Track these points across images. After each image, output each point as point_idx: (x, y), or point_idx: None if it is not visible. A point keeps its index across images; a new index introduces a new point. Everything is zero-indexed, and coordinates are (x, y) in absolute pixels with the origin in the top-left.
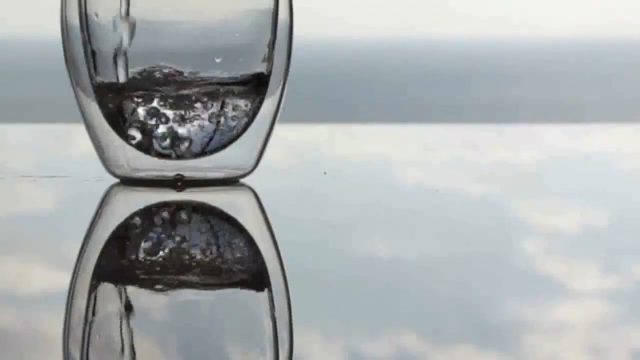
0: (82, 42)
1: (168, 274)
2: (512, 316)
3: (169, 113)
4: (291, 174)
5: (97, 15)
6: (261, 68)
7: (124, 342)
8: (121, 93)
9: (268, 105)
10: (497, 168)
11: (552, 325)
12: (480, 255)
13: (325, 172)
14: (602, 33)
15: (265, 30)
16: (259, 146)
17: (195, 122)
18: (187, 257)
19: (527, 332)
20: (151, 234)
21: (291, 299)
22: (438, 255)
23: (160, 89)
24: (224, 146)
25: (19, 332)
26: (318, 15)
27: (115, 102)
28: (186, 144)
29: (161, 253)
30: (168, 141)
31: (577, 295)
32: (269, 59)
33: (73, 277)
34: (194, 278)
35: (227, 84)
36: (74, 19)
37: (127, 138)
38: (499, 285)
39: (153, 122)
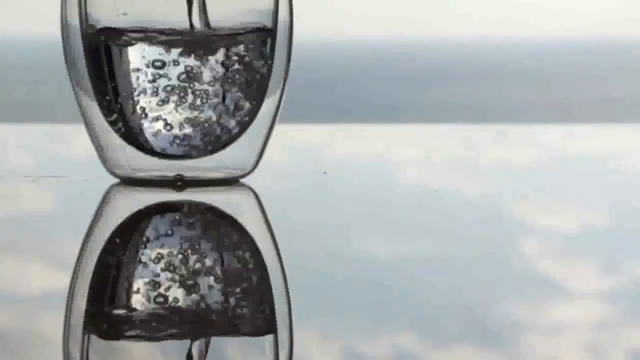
0: (81, 41)
1: (168, 274)
2: (511, 316)
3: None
4: (291, 174)
5: (97, 22)
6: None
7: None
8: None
9: (268, 105)
10: (497, 168)
11: (551, 326)
12: (479, 256)
13: (325, 172)
14: (602, 33)
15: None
16: (259, 146)
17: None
18: (186, 258)
19: (526, 332)
20: (150, 236)
21: (291, 299)
22: (438, 256)
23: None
24: (224, 146)
25: (19, 332)
26: (318, 15)
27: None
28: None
29: (161, 254)
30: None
31: (576, 295)
32: (269, 59)
33: (73, 277)
34: (193, 279)
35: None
36: (74, 19)
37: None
38: (498, 286)
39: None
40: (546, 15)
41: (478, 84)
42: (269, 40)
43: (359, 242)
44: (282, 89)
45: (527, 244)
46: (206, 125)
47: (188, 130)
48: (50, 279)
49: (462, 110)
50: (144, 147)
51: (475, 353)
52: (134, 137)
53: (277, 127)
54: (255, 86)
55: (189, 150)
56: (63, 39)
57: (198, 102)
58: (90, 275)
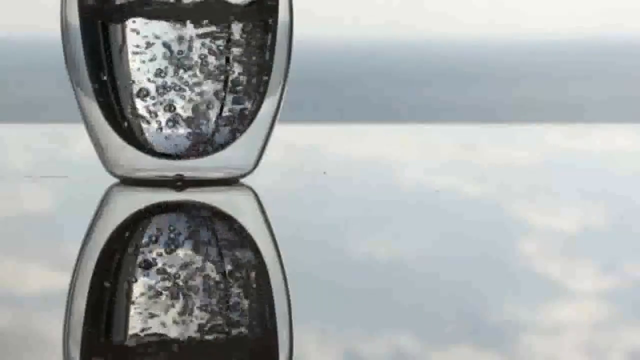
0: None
1: (167, 275)
2: (510, 317)
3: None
4: (291, 174)
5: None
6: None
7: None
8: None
9: (268, 105)
10: (497, 168)
11: (550, 326)
12: (479, 256)
13: (325, 172)
14: (602, 33)
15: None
16: (259, 146)
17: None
18: (186, 258)
19: (526, 332)
20: (150, 233)
21: (291, 299)
22: (437, 256)
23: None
24: (224, 146)
25: (18, 333)
26: (318, 15)
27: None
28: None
29: (161, 254)
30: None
31: (575, 295)
32: (269, 58)
33: (73, 277)
34: (192, 279)
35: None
36: (74, 19)
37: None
38: (498, 286)
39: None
40: (546, 14)
41: (478, 84)
42: (269, 32)
43: (359, 242)
44: (282, 89)
45: (527, 244)
46: (206, 124)
47: (188, 129)
48: (50, 279)
49: (461, 110)
50: (144, 147)
51: (475, 353)
52: (134, 137)
53: (277, 127)
54: (256, 82)
55: (189, 150)
56: (63, 39)
57: (198, 101)
58: (90, 275)
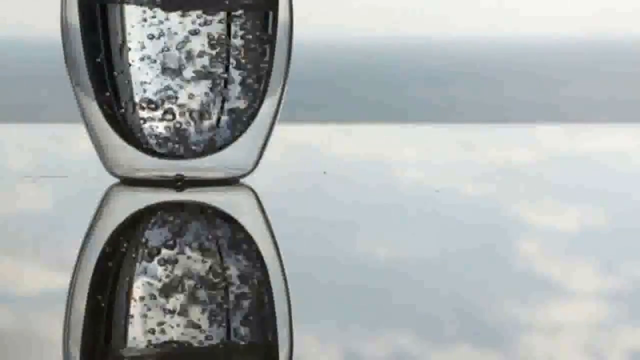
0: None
1: (167, 275)
2: (510, 317)
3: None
4: (291, 174)
5: None
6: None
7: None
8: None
9: (268, 105)
10: (497, 168)
11: (550, 326)
12: (479, 256)
13: (325, 172)
14: (601, 33)
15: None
16: (259, 146)
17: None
18: (185, 258)
19: (525, 332)
20: (150, 236)
21: (291, 299)
22: (437, 256)
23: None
24: (224, 146)
25: (18, 333)
26: (318, 15)
27: None
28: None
29: (161, 254)
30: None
31: (575, 295)
32: (269, 58)
33: (73, 277)
34: (192, 280)
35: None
36: (74, 19)
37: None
38: (497, 286)
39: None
40: (546, 14)
41: (478, 84)
42: (269, 30)
43: (359, 242)
44: (282, 89)
45: (526, 244)
46: (206, 124)
47: (188, 129)
48: (50, 280)
49: (462, 110)
50: (144, 147)
51: (474, 353)
52: (134, 137)
53: (277, 127)
54: (256, 82)
55: (189, 150)
56: (63, 39)
57: (198, 101)
58: (90, 275)
